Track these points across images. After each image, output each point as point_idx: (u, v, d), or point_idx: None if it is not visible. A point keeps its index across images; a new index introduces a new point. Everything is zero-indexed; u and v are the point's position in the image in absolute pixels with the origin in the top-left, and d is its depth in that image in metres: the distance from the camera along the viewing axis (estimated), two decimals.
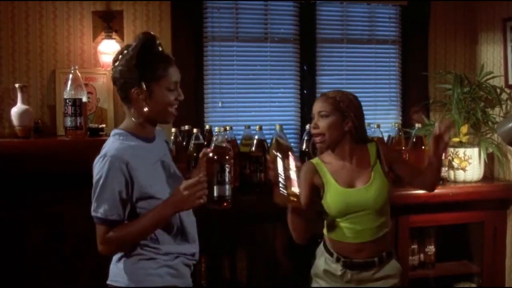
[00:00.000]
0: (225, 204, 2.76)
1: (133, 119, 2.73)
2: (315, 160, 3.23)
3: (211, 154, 2.74)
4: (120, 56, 2.68)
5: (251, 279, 4.03)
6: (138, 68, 2.62)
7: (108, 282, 2.79)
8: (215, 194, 2.72)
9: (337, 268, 3.16)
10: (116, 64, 2.68)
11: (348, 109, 3.10)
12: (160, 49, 2.71)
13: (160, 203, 2.65)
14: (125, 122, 2.77)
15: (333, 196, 3.12)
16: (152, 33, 2.73)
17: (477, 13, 4.92)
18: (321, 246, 3.28)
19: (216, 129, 3.15)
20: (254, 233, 3.95)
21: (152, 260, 2.72)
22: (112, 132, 2.75)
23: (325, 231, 3.24)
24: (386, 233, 3.16)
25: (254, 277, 4.01)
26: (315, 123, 3.14)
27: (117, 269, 2.76)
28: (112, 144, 2.67)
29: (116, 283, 2.74)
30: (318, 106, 3.15)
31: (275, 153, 2.82)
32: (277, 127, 4.15)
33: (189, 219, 2.84)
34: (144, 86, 2.63)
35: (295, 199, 2.82)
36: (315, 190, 3.18)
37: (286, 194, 2.80)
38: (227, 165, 2.75)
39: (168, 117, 2.75)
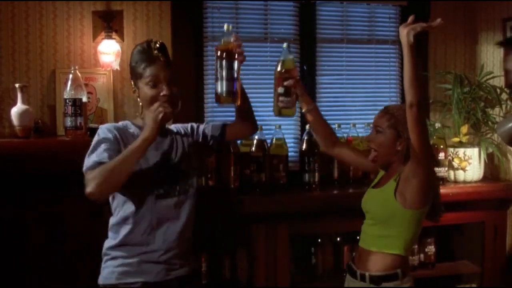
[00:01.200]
0: (233, 99, 2.98)
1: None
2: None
3: (219, 52, 2.95)
4: None
5: (251, 279, 4.03)
6: (130, 69, 2.93)
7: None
8: (224, 89, 2.93)
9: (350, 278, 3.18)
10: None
11: (404, 129, 2.97)
12: (151, 50, 2.90)
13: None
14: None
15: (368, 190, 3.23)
16: (151, 38, 3.00)
17: (477, 13, 4.92)
18: None
19: (225, 26, 3.12)
20: (255, 233, 3.95)
21: (113, 259, 2.88)
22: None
23: None
24: (386, 255, 3.03)
25: (254, 277, 4.00)
26: (370, 136, 3.15)
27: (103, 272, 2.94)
28: (98, 132, 2.91)
29: (100, 281, 2.94)
30: (375, 120, 3.14)
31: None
32: (276, 127, 4.17)
33: (169, 227, 2.92)
34: (133, 84, 2.93)
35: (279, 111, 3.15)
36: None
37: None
38: (235, 61, 3.00)
39: (150, 113, 2.84)
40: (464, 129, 4.44)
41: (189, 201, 2.95)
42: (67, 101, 3.82)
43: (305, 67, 4.77)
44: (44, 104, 4.18)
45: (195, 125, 3.26)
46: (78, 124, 3.82)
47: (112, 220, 2.93)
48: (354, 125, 4.54)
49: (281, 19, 4.74)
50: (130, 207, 2.85)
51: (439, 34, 4.91)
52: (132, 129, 2.94)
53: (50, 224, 3.75)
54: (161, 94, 2.85)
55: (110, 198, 2.92)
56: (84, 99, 3.88)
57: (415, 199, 2.93)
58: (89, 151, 2.80)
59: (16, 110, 3.90)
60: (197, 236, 3.09)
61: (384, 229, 3.03)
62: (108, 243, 2.92)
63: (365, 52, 4.93)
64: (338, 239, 4.24)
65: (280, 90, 3.01)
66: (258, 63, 4.71)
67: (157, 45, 2.92)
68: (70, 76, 3.87)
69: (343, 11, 4.88)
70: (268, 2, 4.68)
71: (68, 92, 3.84)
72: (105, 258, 2.92)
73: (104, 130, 2.87)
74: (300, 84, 3.17)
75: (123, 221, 2.87)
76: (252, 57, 4.69)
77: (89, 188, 2.65)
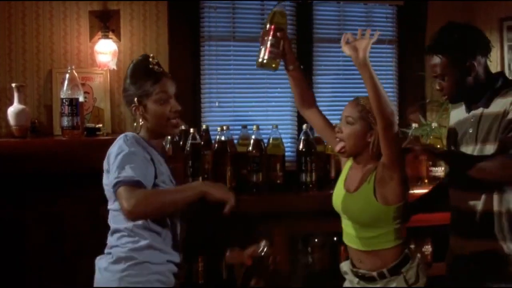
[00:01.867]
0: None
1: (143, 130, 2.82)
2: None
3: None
4: (125, 76, 2.85)
5: (248, 279, 4.02)
6: (131, 86, 2.77)
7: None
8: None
9: (352, 277, 3.13)
10: (123, 83, 2.85)
11: (375, 121, 2.88)
12: (152, 66, 2.80)
13: None
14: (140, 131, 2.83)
15: (335, 189, 3.15)
16: (146, 54, 2.87)
17: (474, 13, 4.92)
18: None
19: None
20: (252, 233, 3.94)
21: (141, 265, 2.66)
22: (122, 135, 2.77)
23: None
24: (384, 250, 3.00)
25: (251, 276, 4.00)
26: (340, 127, 3.03)
27: (102, 277, 2.71)
28: (125, 135, 2.72)
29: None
30: (346, 110, 3.04)
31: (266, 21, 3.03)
32: (273, 127, 4.18)
33: (179, 227, 2.83)
34: (137, 102, 2.75)
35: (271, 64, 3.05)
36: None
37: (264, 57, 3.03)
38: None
39: (166, 129, 2.82)
40: None
41: None
42: (64, 100, 3.82)
43: (302, 67, 4.75)
44: (41, 104, 4.18)
45: None
46: (75, 123, 3.81)
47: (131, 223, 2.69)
48: None
49: None
50: None
51: None
52: (144, 144, 2.74)
53: (49, 224, 3.75)
54: (174, 110, 2.78)
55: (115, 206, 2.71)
56: (81, 99, 3.88)
57: (396, 196, 2.91)
58: (117, 163, 2.57)
59: (12, 110, 3.90)
60: (194, 237, 3.08)
61: (372, 231, 2.99)
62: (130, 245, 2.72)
63: None
64: (335, 239, 4.23)
65: (272, 40, 2.97)
66: (255, 63, 4.69)
67: (156, 60, 2.84)
68: (67, 75, 3.86)
69: (340, 11, 4.88)
70: (265, 2, 4.68)
71: (64, 91, 3.84)
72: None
73: (129, 142, 2.66)
74: (288, 39, 3.11)
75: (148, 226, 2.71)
76: (249, 57, 4.69)
77: (132, 207, 2.45)
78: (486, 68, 2.91)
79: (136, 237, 2.66)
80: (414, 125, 4.41)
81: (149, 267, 2.66)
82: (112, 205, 2.71)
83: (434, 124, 4.45)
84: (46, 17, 4.17)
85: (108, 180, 2.65)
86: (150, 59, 2.81)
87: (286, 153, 4.33)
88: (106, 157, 2.68)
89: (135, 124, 2.82)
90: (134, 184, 2.49)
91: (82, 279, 3.65)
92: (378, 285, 3.01)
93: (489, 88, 2.86)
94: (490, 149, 2.81)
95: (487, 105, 2.85)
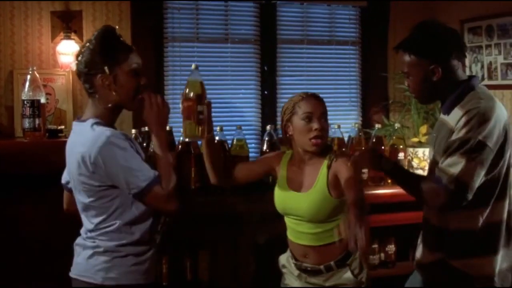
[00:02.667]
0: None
1: (100, 106, 2.69)
2: (289, 152, 3.17)
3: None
4: (83, 49, 2.70)
5: (213, 280, 4.02)
6: (100, 54, 2.64)
7: (76, 276, 2.72)
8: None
9: (293, 268, 3.16)
10: (79, 57, 2.69)
11: None
12: (121, 38, 2.75)
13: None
14: (92, 111, 2.71)
15: (277, 193, 3.13)
16: (113, 26, 2.80)
17: (435, 14, 4.97)
18: None
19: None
20: (216, 234, 3.94)
21: (124, 258, 2.67)
22: (90, 122, 2.66)
23: None
24: (333, 244, 3.01)
25: (216, 277, 4.00)
26: (322, 125, 3.01)
27: (88, 265, 2.69)
28: (104, 130, 2.62)
29: (88, 279, 2.68)
30: (321, 107, 3.05)
31: (188, 92, 2.90)
32: (237, 128, 4.17)
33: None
34: (107, 71, 2.63)
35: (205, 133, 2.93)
36: (261, 171, 3.22)
37: (198, 128, 2.89)
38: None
39: (134, 104, 2.74)
40: (423, 129, 4.48)
41: None
42: (25, 102, 3.77)
43: (265, 68, 4.78)
44: (2, 105, 4.13)
45: None
46: (37, 125, 3.78)
47: (117, 222, 2.68)
48: None
49: (242, 20, 4.75)
50: (141, 206, 2.75)
51: (398, 34, 4.94)
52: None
53: (8, 225, 3.70)
54: (143, 83, 2.72)
55: (104, 201, 2.68)
56: (43, 100, 3.84)
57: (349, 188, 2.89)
58: (128, 168, 2.56)
59: None
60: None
61: (325, 226, 3.01)
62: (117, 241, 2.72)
63: (325, 53, 4.97)
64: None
65: (200, 108, 2.94)
66: (218, 63, 4.71)
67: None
68: (28, 77, 3.82)
69: (304, 12, 4.90)
70: (229, 2, 4.68)
71: (26, 93, 3.79)
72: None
73: (119, 142, 2.59)
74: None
75: (138, 218, 2.70)
76: (213, 58, 4.69)
77: (173, 203, 2.62)
78: (456, 73, 2.81)
79: (122, 234, 2.66)
80: (377, 125, 4.43)
81: (132, 259, 2.67)
82: (95, 202, 2.66)
83: (397, 125, 4.48)
84: (7, 16, 4.12)
85: (98, 181, 2.60)
86: (118, 32, 2.76)
87: (250, 154, 4.33)
88: (92, 161, 2.57)
89: (91, 102, 2.71)
90: (155, 182, 2.58)
91: (42, 280, 3.62)
92: (323, 278, 3.07)
93: (453, 92, 2.78)
94: (438, 158, 2.77)
95: (448, 113, 2.81)
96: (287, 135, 3.09)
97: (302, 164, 3.08)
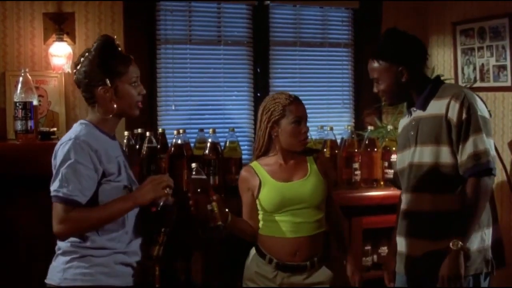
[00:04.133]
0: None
1: (100, 114, 2.74)
2: (253, 163, 3.27)
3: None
4: (82, 59, 2.74)
5: (206, 281, 4.01)
6: (101, 67, 2.69)
7: (46, 280, 2.75)
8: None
9: (268, 270, 3.16)
10: (79, 67, 2.73)
11: None
12: (120, 49, 2.79)
13: (124, 192, 2.68)
14: (91, 117, 2.77)
15: (269, 191, 3.16)
16: (110, 36, 2.83)
17: (428, 16, 4.98)
18: (253, 249, 3.28)
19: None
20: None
21: (83, 258, 2.68)
22: (78, 122, 2.75)
23: (260, 230, 3.24)
24: (322, 233, 3.20)
25: (209, 279, 4.00)
26: (307, 128, 3.21)
27: (52, 267, 2.74)
28: (79, 130, 2.68)
29: (50, 281, 2.72)
30: (305, 110, 3.24)
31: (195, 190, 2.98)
32: (230, 130, 4.17)
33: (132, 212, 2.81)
34: (109, 83, 2.68)
35: (221, 226, 2.97)
36: (254, 198, 3.23)
37: (212, 227, 2.96)
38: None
39: (134, 111, 2.80)
40: None
41: None
42: (17, 104, 3.76)
43: (258, 70, 4.77)
44: None
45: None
46: (29, 127, 3.76)
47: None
48: None
49: (234, 22, 4.75)
50: None
51: None
52: (98, 133, 2.73)
53: (1, 227, 3.70)
54: (142, 93, 2.80)
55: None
56: (35, 102, 3.83)
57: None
58: (60, 174, 2.57)
59: None
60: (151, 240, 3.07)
61: (320, 212, 3.18)
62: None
63: (318, 55, 4.97)
64: None
65: (210, 207, 2.98)
66: (211, 65, 4.71)
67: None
68: (20, 79, 3.80)
69: (296, 14, 4.90)
70: (221, 4, 4.68)
71: (18, 95, 3.78)
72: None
73: (77, 148, 2.61)
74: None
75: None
76: (205, 60, 4.69)
77: (61, 229, 2.56)
78: (422, 73, 3.08)
79: (81, 239, 2.67)
80: (370, 127, 4.44)
81: (91, 259, 2.67)
82: None
83: (389, 127, 4.49)
84: None
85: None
86: (116, 42, 2.81)
87: (243, 156, 4.33)
88: (54, 153, 2.65)
89: (91, 109, 2.75)
90: (69, 203, 2.55)
91: (35, 283, 3.61)
92: (304, 276, 3.15)
93: (424, 89, 3.00)
94: (429, 150, 2.92)
95: (424, 108, 3.00)
96: (272, 136, 3.19)
97: (286, 161, 3.22)
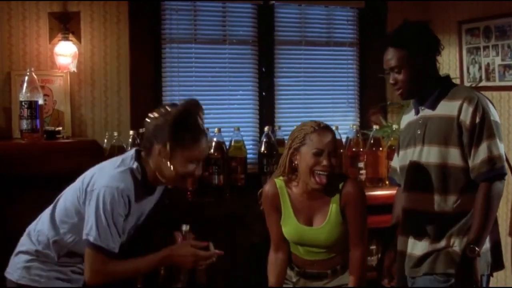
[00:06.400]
0: None
1: (151, 165, 2.75)
2: (279, 183, 3.15)
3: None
4: (162, 110, 2.73)
5: (210, 281, 4.01)
6: (171, 131, 2.65)
7: (5, 273, 2.84)
8: None
9: (291, 275, 3.19)
10: (156, 115, 2.72)
11: None
12: (200, 121, 2.75)
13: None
14: (145, 159, 2.76)
15: (290, 228, 3.13)
16: (198, 103, 2.80)
17: (433, 16, 4.97)
18: None
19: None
20: (213, 235, 3.93)
21: (44, 263, 2.77)
22: (128, 166, 2.73)
23: None
24: (344, 248, 3.14)
25: (213, 278, 4.00)
26: (331, 162, 2.99)
27: (13, 262, 2.83)
28: (125, 180, 2.68)
29: (10, 276, 2.80)
30: (333, 144, 3.04)
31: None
32: (235, 129, 4.18)
33: None
34: (168, 147, 2.65)
35: None
36: (279, 216, 3.16)
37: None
38: None
39: (178, 183, 2.84)
40: None
41: None
42: (23, 103, 3.77)
43: (263, 69, 4.77)
44: None
45: None
46: (34, 127, 3.77)
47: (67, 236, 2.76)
48: None
49: (240, 21, 4.75)
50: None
51: None
52: (139, 186, 2.74)
53: (7, 226, 3.69)
54: (197, 174, 2.80)
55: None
56: (40, 102, 3.83)
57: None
58: (102, 221, 2.60)
59: None
60: (155, 240, 3.07)
61: (334, 247, 3.13)
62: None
63: (323, 54, 4.97)
64: None
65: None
66: (216, 65, 4.71)
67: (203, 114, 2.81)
68: (26, 78, 3.81)
69: (301, 13, 4.90)
70: (226, 4, 4.67)
71: (23, 94, 3.79)
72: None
73: (120, 200, 2.63)
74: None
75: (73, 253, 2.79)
76: (211, 59, 4.69)
77: (96, 278, 2.65)
78: (437, 69, 3.01)
79: (47, 250, 2.77)
80: (375, 126, 4.44)
81: (51, 266, 2.76)
82: (59, 212, 2.78)
83: (395, 126, 4.48)
84: (4, 18, 4.11)
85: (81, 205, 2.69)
86: (201, 113, 2.77)
87: (248, 155, 4.34)
88: (91, 185, 2.66)
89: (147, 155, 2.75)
90: (107, 255, 2.62)
91: None
92: (325, 282, 3.15)
93: (436, 88, 2.94)
94: (436, 150, 2.88)
95: (433, 108, 2.93)
96: (293, 164, 3.06)
97: (308, 195, 3.08)
